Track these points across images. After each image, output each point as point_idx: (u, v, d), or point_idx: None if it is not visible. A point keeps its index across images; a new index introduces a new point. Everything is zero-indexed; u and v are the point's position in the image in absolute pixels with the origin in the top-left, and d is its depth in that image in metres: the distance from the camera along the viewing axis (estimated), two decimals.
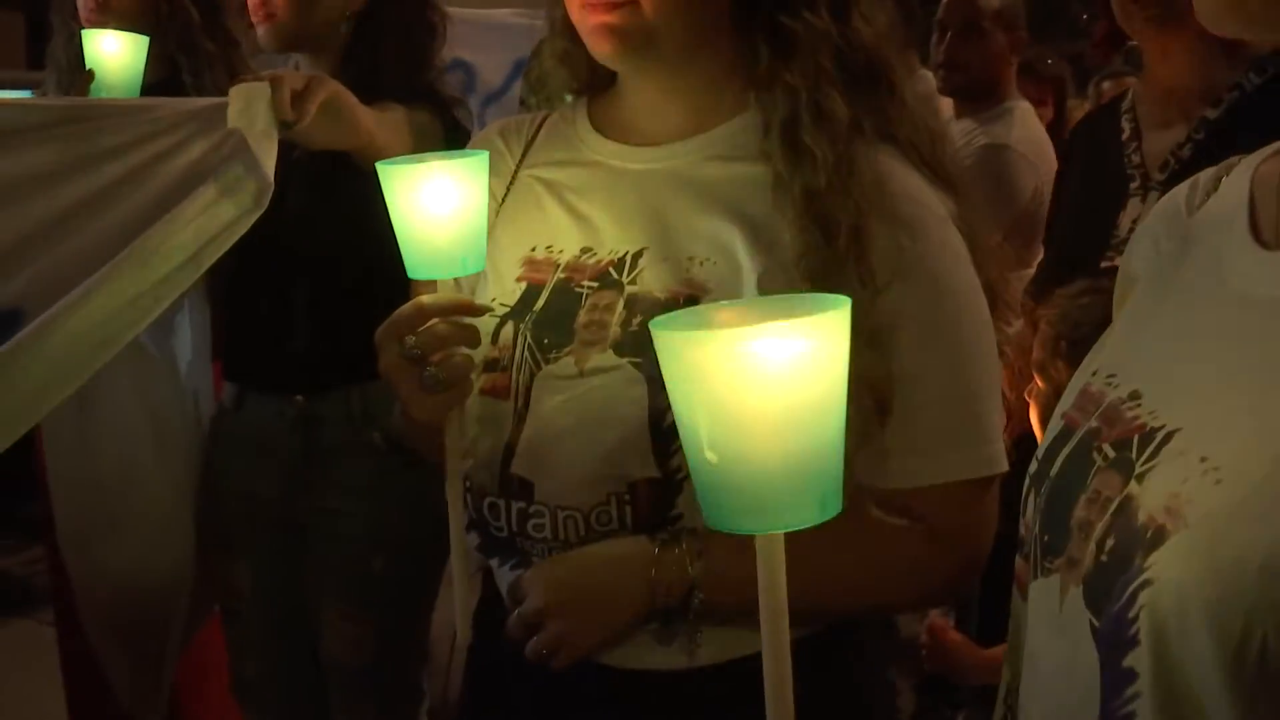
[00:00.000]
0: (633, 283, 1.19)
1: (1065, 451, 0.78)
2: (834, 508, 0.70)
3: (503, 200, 1.31)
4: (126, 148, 1.56)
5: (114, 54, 2.10)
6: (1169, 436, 0.69)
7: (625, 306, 1.18)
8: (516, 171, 1.32)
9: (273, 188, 1.51)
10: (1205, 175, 0.84)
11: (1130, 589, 0.65)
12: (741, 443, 0.67)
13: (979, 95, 3.12)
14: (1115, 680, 0.67)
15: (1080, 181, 2.09)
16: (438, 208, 1.15)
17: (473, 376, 1.18)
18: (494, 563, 1.26)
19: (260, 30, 2.06)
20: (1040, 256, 2.35)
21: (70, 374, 1.46)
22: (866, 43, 1.19)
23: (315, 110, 1.63)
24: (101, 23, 2.31)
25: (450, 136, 2.06)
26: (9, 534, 2.73)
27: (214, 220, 1.47)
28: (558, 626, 1.14)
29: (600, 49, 1.18)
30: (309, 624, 2.16)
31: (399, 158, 1.19)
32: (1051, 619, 0.75)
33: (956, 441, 1.15)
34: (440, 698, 2.30)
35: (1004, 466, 1.16)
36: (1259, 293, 0.70)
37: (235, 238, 1.49)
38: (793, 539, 1.14)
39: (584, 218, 1.25)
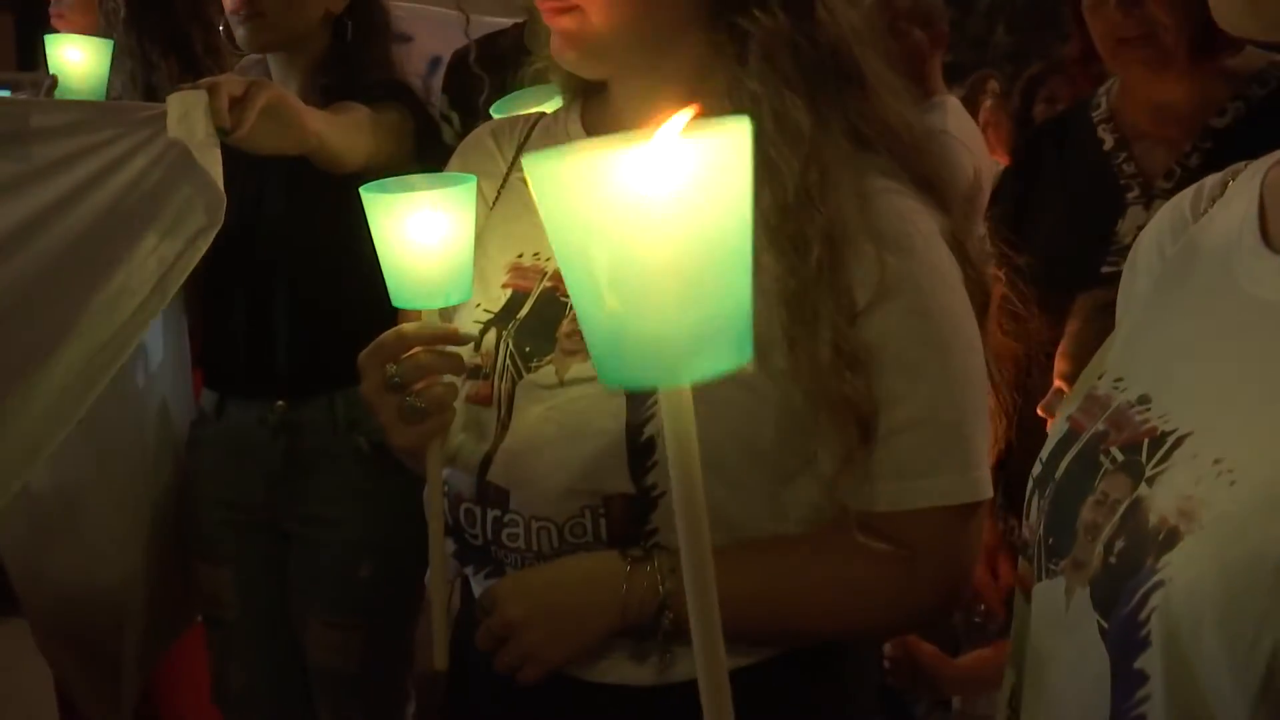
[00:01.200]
0: None
1: (1071, 454, 0.78)
2: (746, 354, 0.61)
3: (493, 204, 1.29)
4: (67, 162, 1.54)
5: (77, 60, 2.08)
6: (1180, 440, 0.69)
7: None
8: (508, 174, 1.30)
9: (225, 200, 1.50)
10: (1211, 180, 0.85)
11: (1142, 591, 0.65)
12: (645, 282, 0.59)
13: None
14: (1126, 682, 0.67)
15: (1060, 189, 2.09)
16: (422, 238, 1.14)
17: (456, 404, 1.17)
18: (469, 570, 1.25)
19: (244, 29, 2.02)
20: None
21: (59, 421, 1.48)
22: (831, 40, 1.15)
23: (255, 116, 1.61)
24: (72, 23, 2.29)
25: (424, 133, 2.05)
26: None
27: (172, 246, 1.48)
28: (526, 639, 1.14)
29: (561, 56, 1.18)
30: (294, 631, 2.15)
31: (384, 182, 1.17)
32: (1057, 621, 0.75)
33: (940, 466, 1.12)
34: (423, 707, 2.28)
35: (988, 493, 1.14)
36: (1271, 296, 0.71)
37: (197, 258, 1.49)
38: (771, 561, 1.16)
39: None
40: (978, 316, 1.18)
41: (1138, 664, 0.65)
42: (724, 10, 1.14)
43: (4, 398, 1.42)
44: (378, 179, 1.84)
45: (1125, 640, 0.66)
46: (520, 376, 1.19)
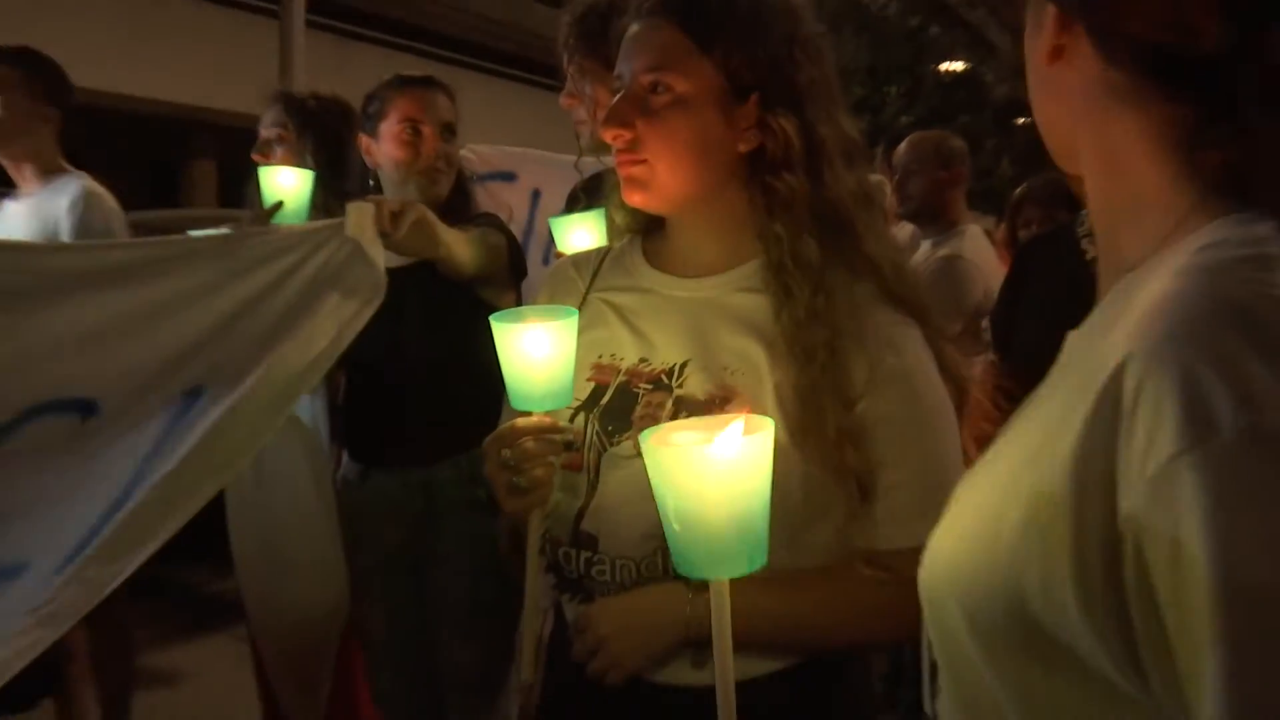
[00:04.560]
0: (680, 386, 1.41)
1: None
2: (760, 561, 0.99)
3: None
4: (269, 259, 1.97)
5: (289, 186, 2.45)
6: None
7: (674, 405, 1.40)
8: (587, 294, 1.56)
9: (386, 282, 1.90)
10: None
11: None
12: (698, 518, 0.96)
13: (930, 219, 3.76)
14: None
15: (1045, 295, 2.28)
16: (534, 357, 1.37)
17: (554, 473, 1.41)
18: (565, 598, 1.50)
19: (434, 182, 2.57)
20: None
21: (260, 431, 1.84)
22: (834, 199, 1.41)
23: (407, 227, 2.05)
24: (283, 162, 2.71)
25: (514, 252, 2.56)
26: (215, 560, 2.96)
27: (346, 309, 1.87)
28: (613, 649, 1.37)
29: (630, 198, 1.44)
30: (430, 645, 2.58)
31: (507, 313, 1.40)
32: None
33: (927, 514, 1.25)
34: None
35: None
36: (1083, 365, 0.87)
37: (364, 321, 1.89)
38: (795, 587, 1.40)
39: (641, 334, 1.48)
40: (957, 410, 1.41)
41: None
42: (760, 171, 1.41)
43: (227, 402, 1.76)
44: (485, 284, 2.35)
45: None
46: (605, 449, 1.43)
